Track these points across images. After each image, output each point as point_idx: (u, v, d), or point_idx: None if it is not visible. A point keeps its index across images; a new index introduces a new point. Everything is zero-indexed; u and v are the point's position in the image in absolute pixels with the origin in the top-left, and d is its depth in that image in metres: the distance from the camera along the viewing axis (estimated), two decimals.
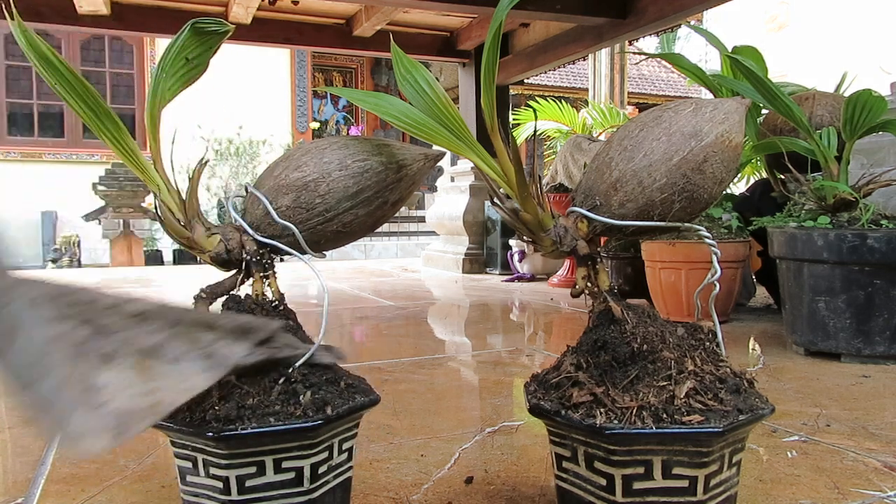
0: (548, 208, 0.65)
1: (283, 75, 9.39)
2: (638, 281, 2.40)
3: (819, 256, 1.56)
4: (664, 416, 0.55)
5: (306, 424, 0.55)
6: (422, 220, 8.05)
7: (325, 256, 0.67)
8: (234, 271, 0.66)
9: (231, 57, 8.29)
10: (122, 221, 6.89)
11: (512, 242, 3.66)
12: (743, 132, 0.63)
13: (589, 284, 0.65)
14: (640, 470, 0.56)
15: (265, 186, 0.65)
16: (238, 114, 8.95)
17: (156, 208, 0.65)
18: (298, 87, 9.44)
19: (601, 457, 0.57)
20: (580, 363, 0.61)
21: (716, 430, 0.54)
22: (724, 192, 2.07)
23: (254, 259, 0.64)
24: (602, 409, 0.57)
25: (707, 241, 0.63)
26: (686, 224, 0.63)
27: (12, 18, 0.52)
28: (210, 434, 0.53)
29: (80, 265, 7.46)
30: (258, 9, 3.46)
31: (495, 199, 0.66)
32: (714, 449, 0.56)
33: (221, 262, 0.65)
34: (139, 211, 6.97)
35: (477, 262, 4.05)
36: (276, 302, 0.64)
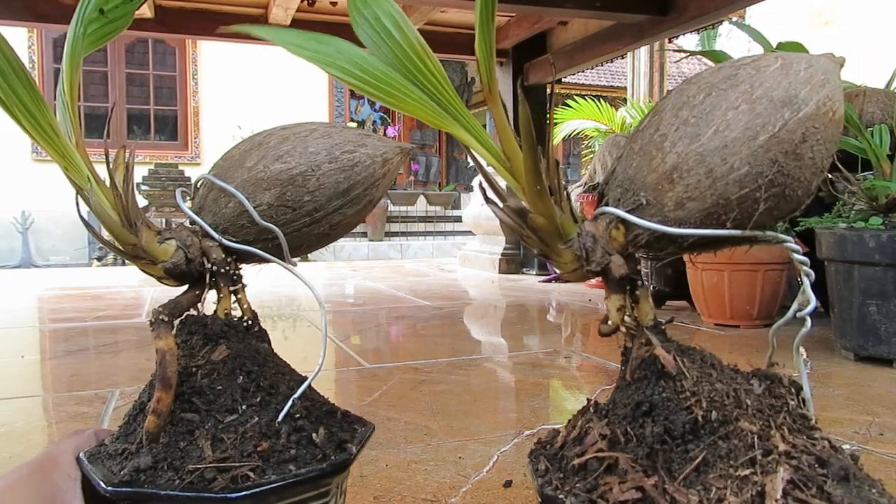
0: (568, 209, 0.47)
1: (320, 76, 9.48)
2: (679, 282, 2.36)
3: (871, 258, 1.51)
4: None
5: (331, 466, 0.47)
6: (458, 219, 8.04)
7: (297, 265, 0.54)
8: (187, 286, 0.54)
9: (270, 58, 8.43)
10: (164, 220, 7.03)
11: None
12: (843, 100, 0.46)
13: (626, 318, 0.47)
14: None
15: (236, 179, 0.53)
16: (277, 114, 9.08)
17: (78, 207, 0.50)
18: (336, 88, 9.52)
19: None
20: (616, 436, 0.43)
21: None
22: None
23: (221, 270, 0.52)
24: None
25: (796, 256, 0.46)
26: (770, 233, 0.46)
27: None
28: (226, 495, 0.42)
29: (123, 263, 7.64)
30: (297, 10, 3.49)
31: (490, 195, 0.47)
32: None
33: (178, 276, 0.52)
34: (180, 210, 7.10)
35: (514, 262, 4.02)
36: (250, 322, 0.54)
